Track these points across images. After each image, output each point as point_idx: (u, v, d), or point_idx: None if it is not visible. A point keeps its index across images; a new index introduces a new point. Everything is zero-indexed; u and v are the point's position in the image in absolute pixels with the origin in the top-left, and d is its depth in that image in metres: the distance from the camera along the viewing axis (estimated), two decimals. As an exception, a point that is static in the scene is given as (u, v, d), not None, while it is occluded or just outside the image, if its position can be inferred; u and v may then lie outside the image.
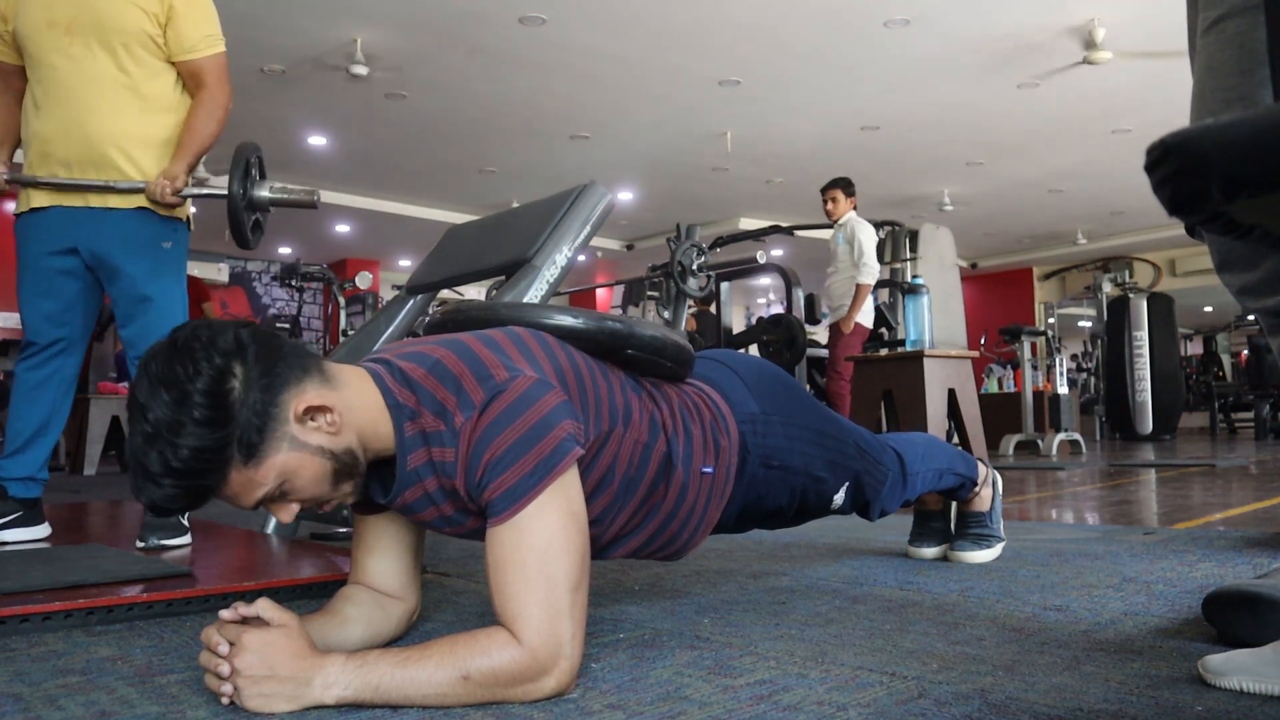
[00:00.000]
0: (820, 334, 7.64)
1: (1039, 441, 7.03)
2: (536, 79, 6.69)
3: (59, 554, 1.85)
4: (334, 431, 1.03)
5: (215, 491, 1.00)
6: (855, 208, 5.55)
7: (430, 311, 2.86)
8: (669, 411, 1.29)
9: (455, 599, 1.62)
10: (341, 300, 7.11)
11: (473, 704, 0.98)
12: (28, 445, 2.22)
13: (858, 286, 5.31)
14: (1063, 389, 7.65)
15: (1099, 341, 9.92)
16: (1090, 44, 6.09)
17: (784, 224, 6.88)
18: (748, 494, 1.42)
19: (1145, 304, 9.33)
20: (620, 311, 6.61)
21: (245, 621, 1.01)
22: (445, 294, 6.00)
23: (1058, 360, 8.02)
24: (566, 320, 1.25)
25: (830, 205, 5.52)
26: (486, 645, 0.98)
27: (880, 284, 5.10)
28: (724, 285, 6.70)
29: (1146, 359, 9.19)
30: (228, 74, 2.32)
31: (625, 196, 9.82)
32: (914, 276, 4.61)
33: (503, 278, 2.34)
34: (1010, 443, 6.91)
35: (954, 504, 2.01)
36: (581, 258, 4.30)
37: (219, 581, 1.60)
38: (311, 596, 1.62)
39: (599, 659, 1.19)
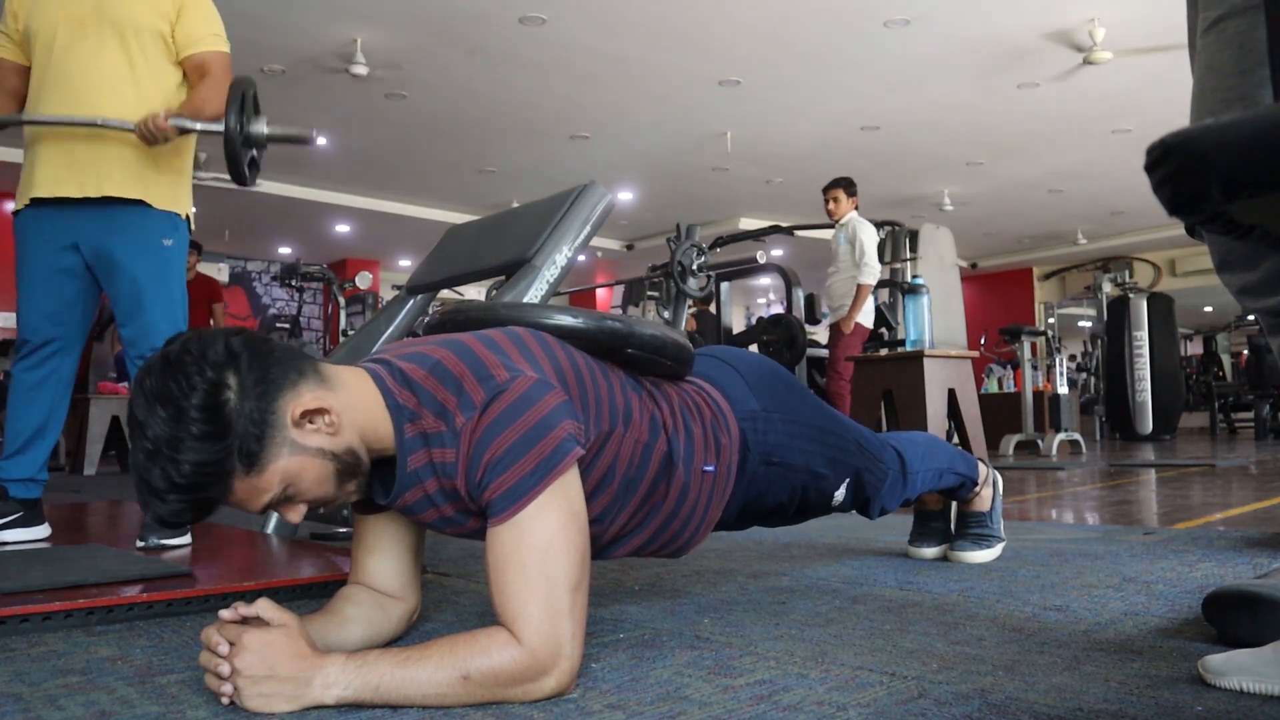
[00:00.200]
0: (820, 334, 7.65)
1: (1039, 441, 7.03)
2: (536, 79, 6.69)
3: (59, 554, 1.85)
4: (333, 432, 1.03)
5: (221, 501, 1.01)
6: (857, 208, 5.54)
7: (430, 311, 2.86)
8: (669, 410, 1.29)
9: (455, 599, 1.61)
10: (341, 300, 7.11)
11: (473, 704, 0.98)
12: (27, 446, 2.22)
13: (859, 286, 5.30)
14: (1063, 389, 7.65)
15: (1099, 341, 9.92)
16: (1090, 44, 6.09)
17: (784, 224, 6.89)
18: (748, 491, 1.42)
19: (1145, 304, 9.33)
20: (620, 311, 6.61)
21: (245, 621, 1.01)
22: (445, 294, 6.00)
23: (1058, 360, 8.02)
24: (566, 320, 1.25)
25: (832, 205, 5.52)
26: (486, 645, 0.98)
27: (880, 284, 5.10)
28: (724, 285, 6.71)
29: (1146, 359, 9.19)
30: (232, 73, 2.33)
31: (625, 196, 9.82)
32: (914, 276, 4.61)
33: (503, 278, 2.34)
34: (1010, 443, 6.91)
35: (954, 504, 2.01)
36: (581, 258, 4.30)
37: (219, 581, 1.60)
38: (311, 596, 1.62)
39: (599, 659, 1.19)
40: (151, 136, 2.14)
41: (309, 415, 1.02)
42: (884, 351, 4.47)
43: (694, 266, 4.44)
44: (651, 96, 7.12)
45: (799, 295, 6.29)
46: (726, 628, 1.37)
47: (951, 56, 6.42)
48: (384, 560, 1.24)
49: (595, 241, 10.27)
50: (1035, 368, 8.16)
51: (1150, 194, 0.66)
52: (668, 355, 1.31)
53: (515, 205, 8.47)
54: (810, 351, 6.06)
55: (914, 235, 4.85)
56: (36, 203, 2.21)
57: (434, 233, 5.35)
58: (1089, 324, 12.03)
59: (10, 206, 2.40)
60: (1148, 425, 9.15)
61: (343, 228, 10.97)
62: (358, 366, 1.13)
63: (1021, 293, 13.90)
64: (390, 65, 6.37)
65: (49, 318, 2.22)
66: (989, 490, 1.95)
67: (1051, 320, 12.15)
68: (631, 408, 1.23)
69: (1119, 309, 9.43)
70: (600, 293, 12.70)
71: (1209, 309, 14.52)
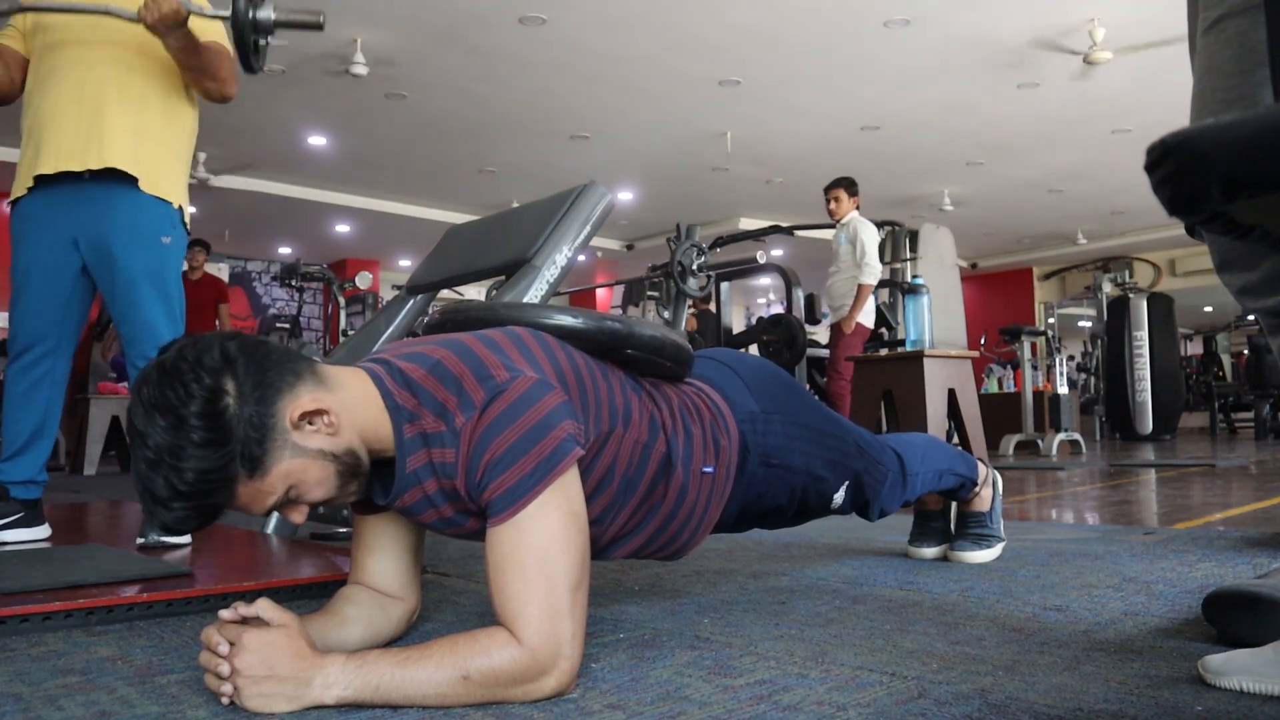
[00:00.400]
0: (820, 334, 7.65)
1: (1039, 441, 7.03)
2: (536, 79, 6.69)
3: (59, 554, 1.85)
4: (332, 433, 1.03)
5: (225, 506, 1.01)
6: (858, 207, 5.54)
7: (430, 311, 2.86)
8: (669, 411, 1.29)
9: (455, 599, 1.61)
10: (341, 300, 7.10)
11: (473, 704, 0.98)
12: (25, 448, 2.23)
13: (860, 286, 5.29)
14: (1063, 389, 7.65)
15: (1099, 341, 9.92)
16: (1090, 44, 6.09)
17: (784, 224, 6.89)
18: (748, 493, 1.42)
19: (1145, 304, 9.34)
20: (620, 311, 6.61)
21: (245, 621, 1.01)
22: (445, 294, 6.00)
23: (1058, 360, 8.03)
24: (566, 320, 1.25)
25: (833, 205, 5.51)
26: (486, 645, 0.98)
27: (880, 284, 5.10)
28: (724, 285, 6.71)
29: (1146, 359, 9.19)
30: (235, 73, 2.34)
31: (625, 196, 9.82)
32: (914, 276, 4.61)
33: (503, 278, 2.34)
34: (1010, 443, 6.91)
35: (954, 504, 2.01)
36: (581, 258, 4.30)
37: (219, 581, 1.60)
38: (311, 596, 1.62)
39: (599, 659, 1.19)
40: (158, 11, 2.05)
41: (308, 416, 1.01)
42: (884, 351, 4.47)
43: (694, 266, 4.44)
44: (651, 96, 7.12)
45: (799, 295, 6.29)
46: (726, 628, 1.37)
47: (951, 56, 6.42)
48: (384, 560, 1.24)
49: (595, 241, 10.27)
50: (1035, 368, 8.17)
51: (1150, 194, 0.66)
52: (667, 356, 1.31)
53: (515, 205, 8.46)
54: (810, 351, 6.05)
55: (914, 235, 4.85)
56: (40, 183, 2.19)
57: (434, 233, 5.35)
58: (1089, 324, 12.03)
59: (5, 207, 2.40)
60: (1148, 425, 9.15)
61: (343, 228, 10.97)
62: (357, 367, 1.13)
63: (1021, 293, 13.90)
64: (390, 65, 6.37)
65: (43, 318, 2.22)
66: (989, 490, 1.95)
67: (1051, 320, 12.16)
68: (631, 408, 1.23)
69: (1119, 309, 9.43)
70: (600, 293, 12.70)
71: (1209, 309, 14.52)
